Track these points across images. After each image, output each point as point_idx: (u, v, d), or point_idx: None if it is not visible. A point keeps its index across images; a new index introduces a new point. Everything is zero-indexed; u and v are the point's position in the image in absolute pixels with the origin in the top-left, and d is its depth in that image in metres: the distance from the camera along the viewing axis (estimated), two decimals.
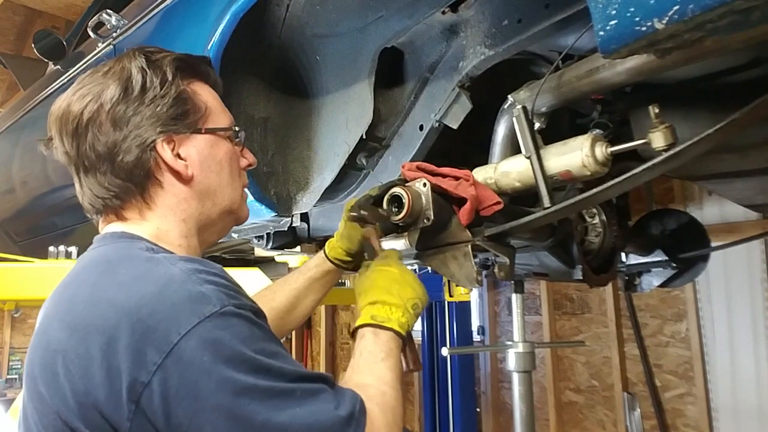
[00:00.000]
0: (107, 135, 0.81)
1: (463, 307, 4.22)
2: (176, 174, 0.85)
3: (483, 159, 1.24)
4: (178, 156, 0.85)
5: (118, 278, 0.72)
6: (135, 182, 0.83)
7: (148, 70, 0.84)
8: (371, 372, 0.81)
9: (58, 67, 2.43)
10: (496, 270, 1.06)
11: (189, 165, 0.85)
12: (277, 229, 1.81)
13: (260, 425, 0.64)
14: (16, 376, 6.94)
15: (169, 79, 0.85)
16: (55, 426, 0.68)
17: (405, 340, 0.89)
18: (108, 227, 0.86)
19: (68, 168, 0.87)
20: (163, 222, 0.85)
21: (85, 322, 0.69)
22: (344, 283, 2.79)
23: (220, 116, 0.92)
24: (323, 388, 0.71)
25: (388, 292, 0.90)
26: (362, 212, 0.99)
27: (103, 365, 0.65)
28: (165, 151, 0.83)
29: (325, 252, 1.16)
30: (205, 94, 0.90)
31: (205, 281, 0.70)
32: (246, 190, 0.98)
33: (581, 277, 1.47)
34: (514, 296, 1.95)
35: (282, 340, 0.79)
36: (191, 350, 0.64)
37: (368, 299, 0.90)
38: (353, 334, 0.88)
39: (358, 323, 0.88)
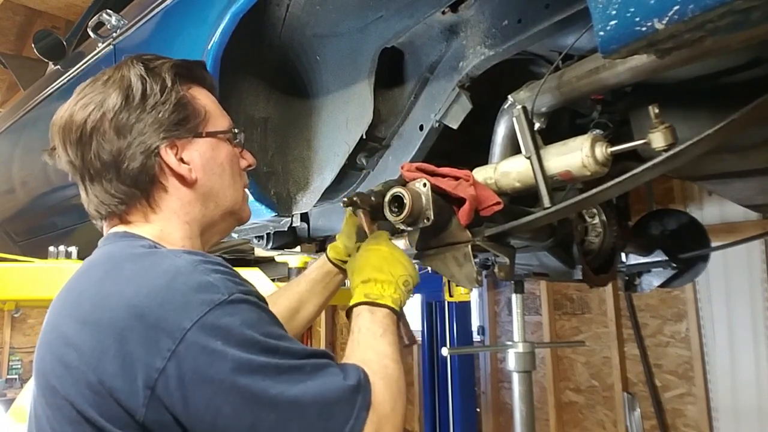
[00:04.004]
0: (111, 143, 0.83)
1: (463, 307, 4.21)
2: (180, 178, 0.87)
3: (483, 159, 1.24)
4: (182, 160, 0.87)
5: (125, 273, 0.74)
6: (140, 188, 0.85)
7: (147, 78, 0.86)
8: (371, 347, 0.83)
9: (58, 67, 2.43)
10: (496, 270, 1.06)
11: (192, 169, 0.87)
12: (277, 229, 1.81)
13: (275, 398, 0.67)
14: (16, 376, 6.93)
15: (169, 85, 0.87)
16: (69, 417, 0.70)
17: (399, 316, 0.91)
18: (112, 229, 0.88)
19: (73, 177, 0.88)
20: (167, 224, 0.87)
21: (95, 316, 0.71)
22: (345, 283, 2.78)
23: (219, 119, 0.94)
24: (329, 363, 0.74)
25: (379, 270, 0.92)
26: (354, 198, 1.01)
27: (117, 355, 0.67)
28: (169, 156, 0.85)
29: (326, 254, 1.17)
30: (203, 98, 0.92)
31: (212, 271, 0.73)
32: (246, 190, 1.00)
33: (581, 277, 1.47)
34: (514, 296, 1.95)
35: None
36: (204, 336, 0.67)
37: (360, 278, 0.93)
38: (348, 314, 0.90)
39: (352, 302, 0.90)
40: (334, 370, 0.73)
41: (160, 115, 0.85)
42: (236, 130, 0.95)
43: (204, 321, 0.67)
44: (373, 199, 1.02)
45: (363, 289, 0.91)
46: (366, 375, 0.75)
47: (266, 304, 0.76)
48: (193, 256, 0.75)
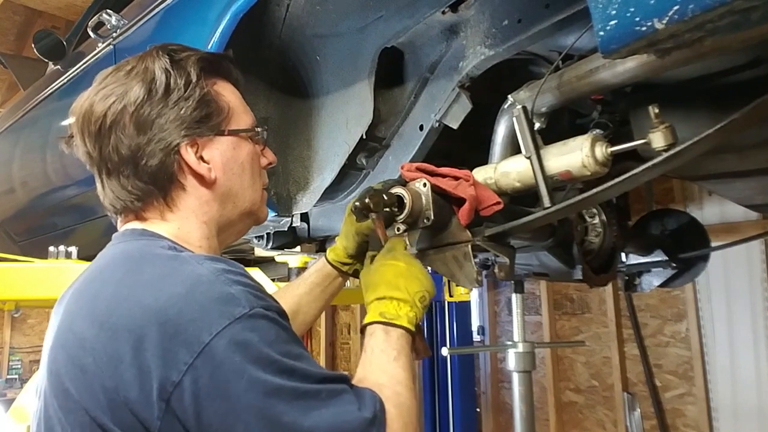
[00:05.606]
0: (131, 138, 0.81)
1: (463, 307, 4.21)
2: (199, 177, 0.85)
3: (483, 159, 1.24)
4: (201, 159, 0.84)
5: (144, 277, 0.72)
6: (158, 186, 0.83)
7: (172, 71, 0.83)
8: (384, 372, 0.80)
9: (58, 67, 2.43)
10: (496, 270, 1.06)
11: (212, 168, 0.85)
12: (277, 229, 1.80)
13: (288, 426, 0.65)
14: (16, 376, 6.92)
15: (193, 80, 0.84)
16: (82, 423, 0.68)
17: (415, 332, 0.88)
18: (128, 225, 0.86)
19: (90, 168, 0.86)
20: (184, 224, 0.85)
21: (112, 321, 0.69)
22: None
23: (242, 116, 0.91)
24: (345, 388, 0.71)
25: (396, 287, 0.88)
26: (366, 201, 0.95)
27: (133, 364, 0.66)
28: (189, 154, 0.83)
29: (326, 256, 1.16)
30: (227, 94, 0.90)
31: (233, 282, 0.71)
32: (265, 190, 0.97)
33: (581, 277, 1.47)
34: (514, 296, 1.95)
35: None
36: (222, 351, 0.65)
37: (375, 294, 0.89)
38: (362, 331, 0.87)
39: (367, 320, 0.87)
40: (350, 398, 0.70)
41: (182, 112, 0.82)
42: (259, 129, 0.93)
43: (223, 335, 0.65)
44: (386, 197, 0.97)
45: (378, 307, 0.87)
46: (382, 405, 0.72)
47: (287, 319, 0.74)
48: (215, 264, 0.73)
